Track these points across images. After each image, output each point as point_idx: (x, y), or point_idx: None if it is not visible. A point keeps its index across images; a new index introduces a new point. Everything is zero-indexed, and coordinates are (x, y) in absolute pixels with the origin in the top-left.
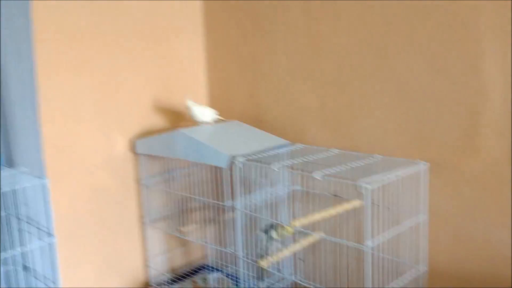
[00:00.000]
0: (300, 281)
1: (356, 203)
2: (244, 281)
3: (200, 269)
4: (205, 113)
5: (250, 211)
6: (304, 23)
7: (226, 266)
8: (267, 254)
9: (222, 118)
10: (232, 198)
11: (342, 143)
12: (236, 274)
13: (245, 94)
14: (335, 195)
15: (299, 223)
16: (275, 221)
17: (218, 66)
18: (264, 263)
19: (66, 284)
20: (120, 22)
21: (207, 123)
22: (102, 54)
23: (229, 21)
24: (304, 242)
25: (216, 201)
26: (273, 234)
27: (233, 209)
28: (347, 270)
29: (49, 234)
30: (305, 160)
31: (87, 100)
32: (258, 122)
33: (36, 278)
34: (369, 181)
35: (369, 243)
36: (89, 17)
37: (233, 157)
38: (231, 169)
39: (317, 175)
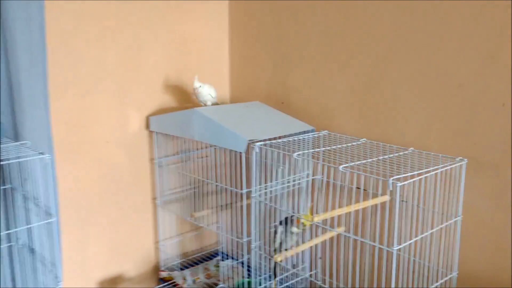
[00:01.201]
0: (316, 280)
1: (384, 198)
2: (256, 274)
3: (212, 256)
4: (210, 95)
5: (267, 200)
6: (340, 4)
7: (240, 254)
8: (283, 249)
9: (218, 103)
10: (249, 185)
11: (372, 133)
12: (249, 263)
13: (269, 74)
14: (359, 188)
15: (319, 217)
16: (295, 214)
17: (241, 45)
18: (279, 258)
19: (73, 265)
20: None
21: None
22: (125, 26)
23: (255, 1)
24: (323, 238)
25: (231, 187)
26: (292, 228)
27: (248, 197)
28: (369, 271)
29: (49, 214)
30: (330, 149)
31: (103, 73)
32: (281, 105)
33: (36, 258)
34: (400, 176)
35: (396, 245)
36: None
37: (251, 141)
38: (248, 154)
39: (343, 167)
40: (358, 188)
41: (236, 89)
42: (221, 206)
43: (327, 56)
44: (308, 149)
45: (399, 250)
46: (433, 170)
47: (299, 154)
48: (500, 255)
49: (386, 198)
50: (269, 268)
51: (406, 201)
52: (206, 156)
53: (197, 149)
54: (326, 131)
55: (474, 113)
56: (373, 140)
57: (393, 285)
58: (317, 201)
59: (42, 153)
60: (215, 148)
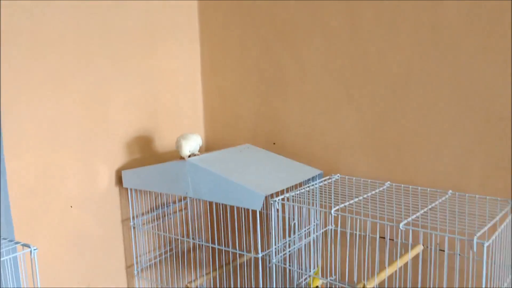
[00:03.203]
0: None
1: (417, 249)
2: None
3: None
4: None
5: (291, 265)
6: (345, 15)
7: None
8: None
9: (197, 154)
10: (263, 248)
11: (391, 175)
12: None
13: (254, 110)
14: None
15: (371, 284)
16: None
17: (217, 76)
18: None
19: None
20: (107, 32)
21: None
22: (86, 68)
23: (234, 28)
24: None
25: (240, 251)
26: None
27: (265, 261)
28: None
29: None
30: (360, 198)
31: (66, 122)
32: (272, 146)
33: None
34: (477, 232)
35: None
36: (72, 22)
37: (270, 196)
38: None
39: (403, 225)
40: (382, 237)
41: (213, 131)
42: (222, 270)
43: (329, 81)
44: (331, 200)
45: None
46: (499, 218)
47: (336, 210)
48: None
49: (420, 248)
50: None
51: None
52: (186, 209)
53: (175, 202)
54: (338, 175)
55: None
56: (397, 183)
57: None
58: (339, 258)
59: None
60: (198, 201)
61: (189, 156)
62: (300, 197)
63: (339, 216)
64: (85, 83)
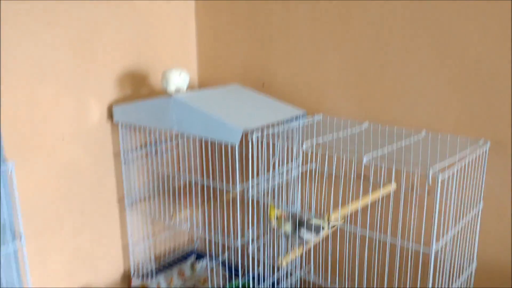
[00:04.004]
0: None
1: (389, 187)
2: (254, 278)
3: (186, 256)
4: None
5: (263, 197)
6: None
7: (218, 254)
8: (288, 251)
9: (184, 90)
10: (241, 181)
11: (372, 115)
12: (228, 262)
13: (245, 52)
14: (361, 178)
15: (336, 216)
16: (304, 216)
17: (210, 18)
18: (284, 262)
19: (33, 280)
20: None
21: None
22: (78, 3)
23: None
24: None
25: (220, 185)
26: (302, 232)
27: (242, 194)
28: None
29: (17, 235)
30: (336, 137)
31: (55, 58)
32: (261, 87)
33: None
34: (437, 167)
35: (435, 245)
36: None
37: (247, 131)
38: (240, 146)
39: (367, 160)
40: (359, 178)
41: (206, 70)
42: (206, 203)
43: (316, 25)
44: (309, 138)
45: (437, 252)
46: (465, 156)
47: (308, 146)
48: None
49: (393, 187)
50: (266, 269)
51: (413, 189)
52: (177, 147)
53: (168, 140)
54: (321, 114)
55: (494, 90)
56: (376, 123)
57: (430, 286)
58: (314, 195)
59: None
60: (187, 138)
61: (176, 92)
62: (278, 134)
63: (319, 156)
64: (76, 18)
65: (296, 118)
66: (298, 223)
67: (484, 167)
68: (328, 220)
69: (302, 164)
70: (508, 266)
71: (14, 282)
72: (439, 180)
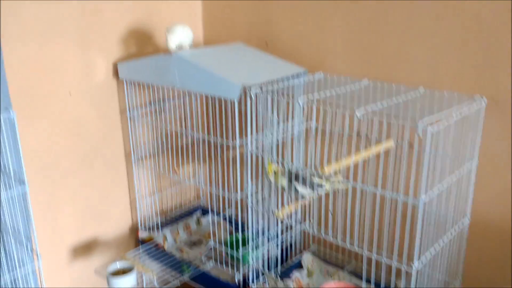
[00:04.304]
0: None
1: (388, 144)
2: (253, 231)
3: (192, 211)
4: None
5: (261, 152)
6: None
7: (223, 208)
8: (285, 204)
9: (187, 47)
10: (241, 136)
11: (372, 73)
12: (233, 217)
13: (249, 11)
14: (360, 135)
15: (329, 169)
16: (301, 168)
17: None
18: (280, 214)
19: (43, 231)
20: None
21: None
22: None
23: None
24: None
25: (220, 139)
26: (297, 185)
27: (241, 149)
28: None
29: (20, 181)
30: (334, 93)
31: (63, 15)
32: (265, 45)
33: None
34: (428, 121)
35: (424, 196)
36: None
37: (246, 87)
38: (240, 102)
39: (360, 114)
40: (359, 135)
41: (211, 29)
42: (208, 159)
43: None
44: (307, 93)
45: (425, 204)
46: (456, 112)
47: (304, 101)
48: None
49: (392, 144)
50: (265, 222)
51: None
52: (183, 106)
53: (173, 99)
54: (321, 73)
55: (493, 47)
56: (376, 80)
57: (418, 238)
58: (321, 152)
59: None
60: (191, 97)
61: (179, 49)
62: (277, 90)
63: (314, 111)
64: None
65: (297, 76)
66: (294, 178)
67: (480, 124)
68: (323, 174)
69: (302, 121)
70: (503, 223)
71: (20, 225)
72: (429, 133)
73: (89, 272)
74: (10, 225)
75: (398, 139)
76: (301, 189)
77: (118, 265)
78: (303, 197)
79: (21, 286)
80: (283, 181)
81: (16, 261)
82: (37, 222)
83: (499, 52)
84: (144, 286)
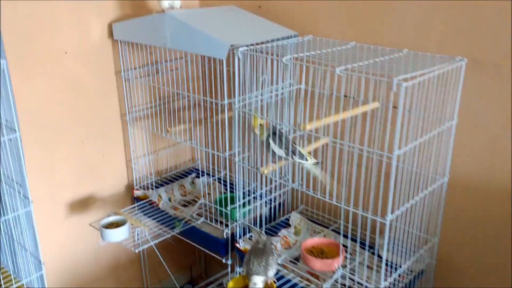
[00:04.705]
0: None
1: (374, 105)
2: (240, 188)
3: (187, 173)
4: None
5: (251, 111)
6: None
7: (217, 171)
8: (270, 161)
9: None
10: (230, 96)
11: (361, 36)
12: (227, 179)
13: None
14: (346, 96)
15: (310, 126)
16: (281, 125)
17: None
18: (265, 171)
19: (40, 187)
20: None
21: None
22: None
23: None
24: (316, 145)
25: (210, 99)
26: (274, 146)
27: (230, 108)
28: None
29: (11, 129)
30: (319, 53)
31: None
32: (258, 9)
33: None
34: (405, 76)
35: (397, 150)
36: None
37: (233, 47)
38: (229, 62)
39: (340, 70)
40: (346, 96)
41: None
42: (198, 120)
43: None
44: (295, 54)
45: (398, 157)
46: (433, 71)
47: (288, 59)
48: (496, 156)
49: (377, 105)
50: (252, 180)
51: (395, 107)
52: (177, 69)
53: (167, 61)
54: (311, 36)
55: (476, 10)
56: (364, 43)
57: (391, 192)
58: (304, 111)
59: None
60: (186, 60)
61: (170, 9)
62: (265, 50)
63: (303, 72)
64: None
65: (287, 38)
66: (272, 135)
67: (459, 84)
68: (303, 128)
69: (289, 82)
70: (482, 182)
71: (12, 171)
72: (403, 88)
73: (85, 226)
74: (4, 173)
75: (377, 97)
76: (277, 149)
77: (112, 218)
78: (279, 157)
79: (14, 228)
80: (263, 136)
81: (9, 206)
82: (34, 177)
83: (483, 15)
84: (136, 239)
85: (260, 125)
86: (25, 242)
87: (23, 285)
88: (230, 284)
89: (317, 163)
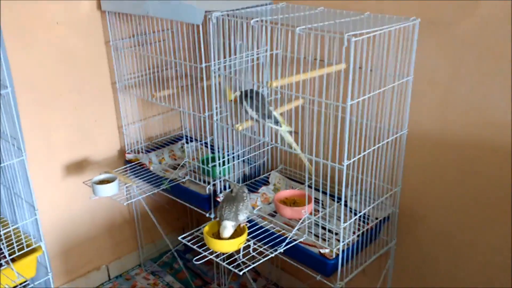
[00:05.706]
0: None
1: (340, 67)
2: (219, 147)
3: (177, 139)
4: None
5: (227, 73)
6: None
7: (204, 136)
8: (244, 119)
9: None
10: (207, 60)
11: (330, 3)
12: (214, 144)
13: None
14: (316, 59)
15: (277, 83)
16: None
17: None
18: (240, 127)
19: (37, 147)
20: None
21: None
22: None
23: None
24: (288, 107)
25: (189, 63)
26: (247, 107)
27: (208, 71)
28: (327, 137)
29: (3, 86)
30: (287, 16)
31: None
32: None
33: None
34: (355, 33)
35: (350, 101)
36: None
37: (208, 12)
38: (205, 27)
39: (300, 29)
40: (315, 59)
41: None
42: (182, 86)
43: None
44: (265, 17)
45: (352, 106)
46: (386, 29)
47: (256, 21)
48: (449, 110)
49: (342, 66)
50: (232, 139)
51: (360, 67)
52: (164, 40)
53: (154, 32)
54: (284, 3)
55: None
56: (332, 8)
57: (346, 142)
58: (276, 74)
59: None
60: (172, 31)
61: None
62: (241, 16)
63: (268, 33)
64: None
65: (261, 5)
66: (245, 98)
67: (414, 42)
68: (270, 85)
69: (260, 47)
70: (439, 134)
71: (6, 128)
72: (352, 42)
73: (80, 185)
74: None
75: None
76: (250, 111)
77: (103, 176)
78: (252, 118)
79: (11, 180)
80: (236, 99)
81: (7, 160)
82: (31, 141)
83: None
84: (125, 194)
85: (235, 97)
86: (21, 191)
87: (18, 228)
88: (206, 228)
89: (291, 131)
